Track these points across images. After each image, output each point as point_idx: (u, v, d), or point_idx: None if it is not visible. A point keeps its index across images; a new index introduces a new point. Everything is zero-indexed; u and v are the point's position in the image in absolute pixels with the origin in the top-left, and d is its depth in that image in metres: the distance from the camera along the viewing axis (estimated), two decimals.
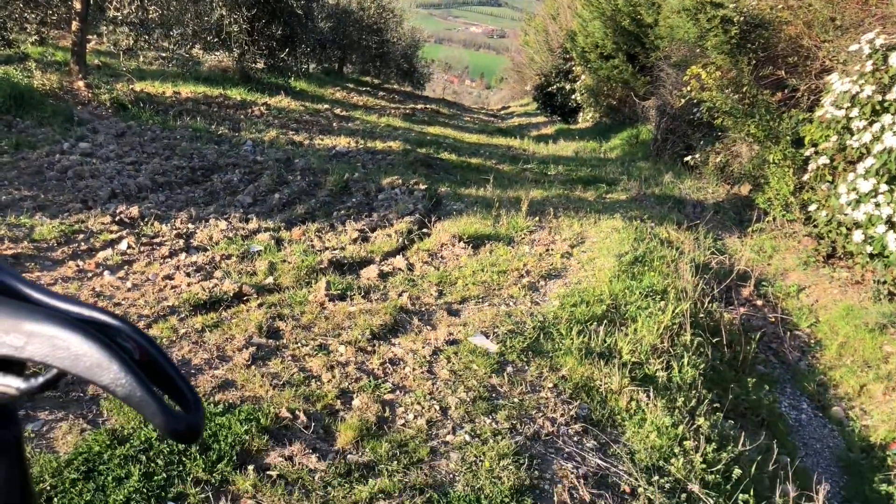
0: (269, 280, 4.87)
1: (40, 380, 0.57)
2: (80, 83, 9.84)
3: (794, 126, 7.85)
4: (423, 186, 8.36)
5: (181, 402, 0.58)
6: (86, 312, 0.60)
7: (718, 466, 3.48)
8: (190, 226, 5.85)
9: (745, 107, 8.58)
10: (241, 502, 2.68)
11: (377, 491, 2.83)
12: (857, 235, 6.24)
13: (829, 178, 6.99)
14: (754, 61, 9.19)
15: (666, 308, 5.05)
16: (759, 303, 6.64)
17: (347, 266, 5.48)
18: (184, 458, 2.79)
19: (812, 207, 7.22)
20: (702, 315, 5.44)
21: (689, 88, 9.35)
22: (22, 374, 0.59)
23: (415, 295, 4.96)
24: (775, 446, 3.71)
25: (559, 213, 7.76)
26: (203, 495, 2.66)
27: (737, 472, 3.45)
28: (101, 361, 0.55)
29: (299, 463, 2.93)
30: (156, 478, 2.66)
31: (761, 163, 8.76)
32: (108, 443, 2.80)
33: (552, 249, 6.47)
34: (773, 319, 6.26)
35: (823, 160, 6.95)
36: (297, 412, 3.25)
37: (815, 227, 7.28)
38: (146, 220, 5.77)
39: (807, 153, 7.44)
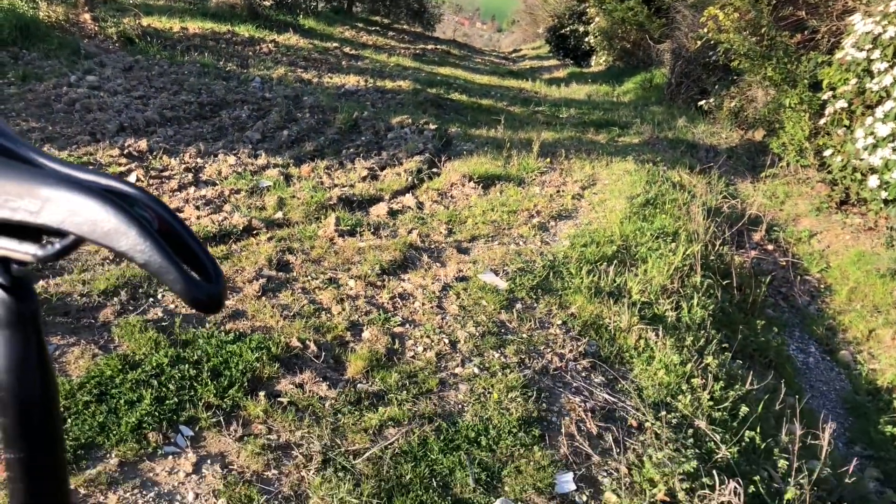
0: (279, 215, 4.85)
1: (57, 246, 0.55)
2: (87, 16, 9.67)
3: (813, 69, 7.68)
4: (433, 126, 8.26)
5: (202, 274, 0.56)
6: (102, 181, 0.58)
7: (725, 404, 3.50)
8: (199, 160, 5.80)
9: (763, 49, 8.38)
10: (252, 427, 2.70)
11: (387, 418, 2.85)
12: (873, 181, 6.15)
13: (847, 122, 6.87)
14: (774, 2, 8.95)
15: (676, 250, 5.02)
16: (770, 247, 6.60)
17: (357, 203, 5.45)
18: (195, 384, 2.81)
19: (827, 153, 7.10)
20: (712, 258, 5.41)
21: (705, 30, 9.13)
22: (38, 241, 0.57)
23: (424, 232, 4.93)
24: (783, 386, 3.71)
25: (571, 155, 7.67)
26: (215, 419, 2.69)
27: (744, 409, 3.46)
28: (119, 227, 0.52)
29: (310, 390, 2.95)
30: (167, 402, 2.69)
31: (777, 107, 8.61)
32: (120, 367, 2.82)
33: (563, 191, 6.41)
34: (784, 264, 6.23)
35: (841, 104, 6.82)
36: (307, 342, 3.26)
37: (830, 172, 7.19)
38: (155, 153, 5.72)
39: (824, 97, 7.30)
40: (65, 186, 0.54)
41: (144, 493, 2.32)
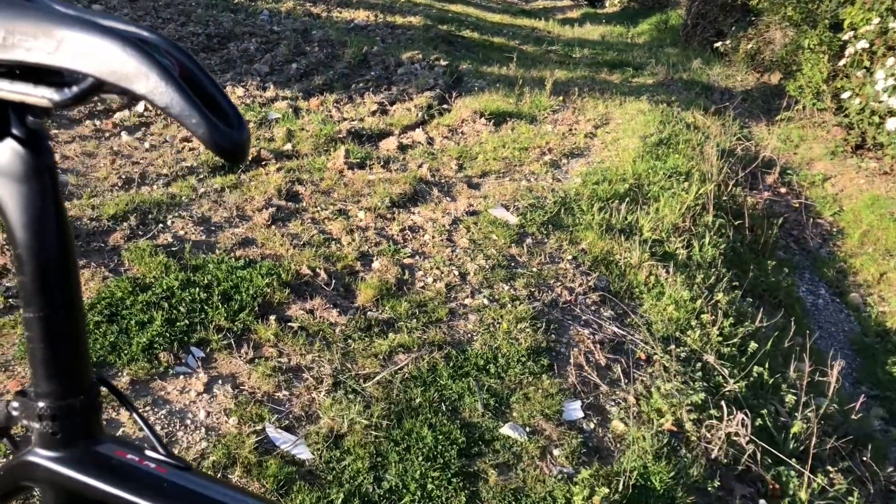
0: (288, 146, 4.80)
1: (75, 89, 0.52)
2: None
3: (835, 8, 7.48)
4: (443, 63, 8.12)
5: (225, 121, 0.53)
6: (121, 25, 0.54)
7: (734, 340, 3.50)
8: None
9: None
10: (263, 349, 2.71)
11: (397, 345, 2.86)
12: (891, 123, 6.04)
13: (867, 63, 6.72)
14: None
15: (689, 189, 4.97)
16: (783, 190, 6.53)
17: (366, 137, 5.38)
18: (206, 307, 2.81)
19: (845, 95, 6.97)
20: (725, 198, 5.36)
21: None
22: (55, 85, 0.54)
23: (434, 167, 4.88)
24: (792, 324, 3.71)
25: (584, 95, 7.55)
26: (225, 342, 2.69)
27: (752, 346, 3.46)
28: (139, 69, 0.50)
29: (320, 316, 2.95)
30: (178, 323, 2.69)
31: (795, 49, 8.43)
32: (131, 289, 2.82)
33: (575, 129, 6.32)
34: (797, 206, 6.18)
35: (862, 44, 6.66)
36: (317, 270, 3.26)
37: (846, 116, 7.07)
38: None
39: (845, 37, 7.13)
40: (83, 28, 0.51)
41: (156, 410, 2.35)
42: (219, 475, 2.12)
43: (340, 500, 2.10)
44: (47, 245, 0.62)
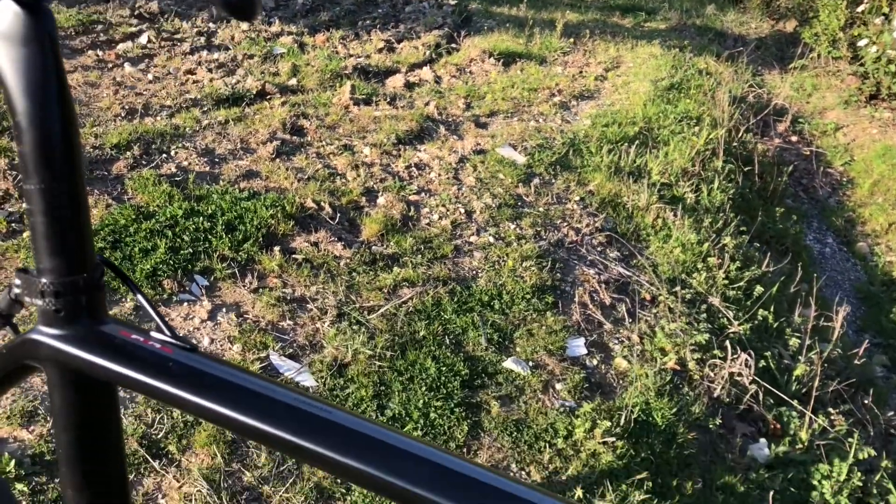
0: (293, 81, 4.72)
1: None
2: None
3: None
4: (452, 1, 7.94)
5: None
6: None
7: (740, 284, 3.49)
8: (211, 25, 5.61)
9: None
10: (267, 280, 2.70)
11: (401, 279, 2.84)
12: None
13: (886, 10, 6.55)
14: None
15: (699, 134, 4.90)
16: (794, 139, 6.44)
17: (372, 74, 5.29)
18: (210, 236, 2.79)
19: (861, 43, 6.81)
20: (735, 144, 5.28)
21: None
22: None
23: (442, 105, 4.80)
24: (799, 270, 3.69)
25: (595, 37, 7.39)
26: (230, 271, 2.68)
27: (758, 290, 3.45)
28: None
29: (325, 249, 2.93)
30: (182, 252, 2.68)
31: None
32: (134, 217, 2.80)
33: (586, 72, 6.21)
34: (808, 154, 6.10)
35: None
36: (322, 203, 3.22)
37: (862, 65, 6.92)
38: (166, 16, 5.53)
39: None
40: None
41: None
42: None
43: None
44: (48, 113, 0.59)
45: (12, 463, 1.81)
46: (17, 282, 0.67)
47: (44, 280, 0.64)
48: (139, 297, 0.68)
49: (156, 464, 1.92)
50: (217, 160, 3.49)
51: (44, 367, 0.69)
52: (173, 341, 0.66)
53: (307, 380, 2.28)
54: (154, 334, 0.67)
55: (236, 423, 0.62)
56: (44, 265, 0.64)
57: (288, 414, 0.62)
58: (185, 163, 3.39)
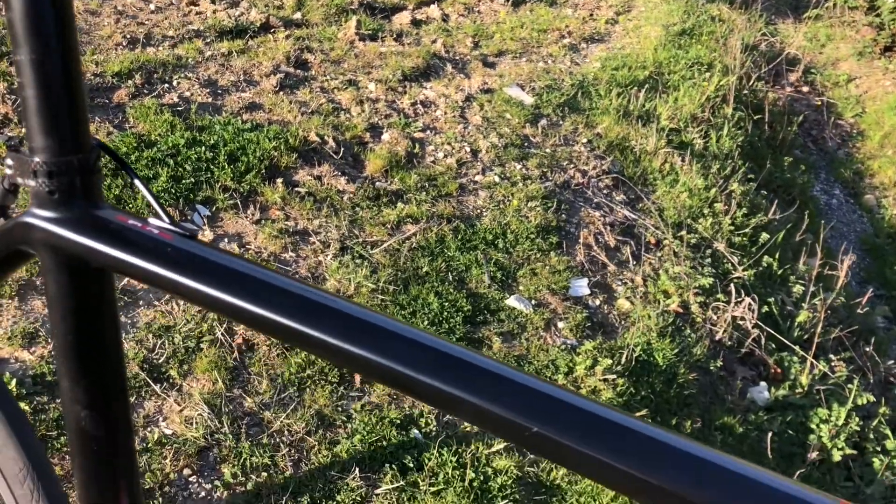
0: (297, 15, 4.61)
1: None
2: None
3: None
4: None
5: None
6: None
7: (746, 230, 3.46)
8: None
9: None
10: (270, 212, 2.67)
11: (405, 215, 2.82)
12: None
13: None
14: None
15: (710, 80, 4.81)
16: (806, 89, 6.34)
17: (378, 10, 5.16)
18: (212, 166, 2.75)
19: None
20: (745, 92, 5.20)
21: None
22: None
23: (449, 43, 4.70)
24: (805, 219, 3.66)
25: None
26: (231, 202, 2.65)
27: (764, 237, 3.42)
28: None
29: (328, 183, 2.90)
30: (184, 181, 2.64)
31: None
32: (136, 145, 2.76)
33: (597, 14, 6.07)
34: (819, 104, 6.00)
35: None
36: (325, 138, 3.17)
37: (878, 15, 6.77)
38: None
39: None
40: None
41: None
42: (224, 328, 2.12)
43: None
44: None
45: (13, 382, 1.81)
46: (9, 161, 0.64)
47: (36, 159, 0.61)
48: (137, 182, 0.65)
49: (157, 387, 1.92)
50: (220, 91, 3.42)
51: (37, 253, 0.66)
52: (172, 228, 0.63)
53: None
54: (152, 220, 0.64)
55: (236, 309, 0.60)
56: (36, 143, 0.61)
57: (288, 300, 0.59)
58: (188, 93, 3.33)
